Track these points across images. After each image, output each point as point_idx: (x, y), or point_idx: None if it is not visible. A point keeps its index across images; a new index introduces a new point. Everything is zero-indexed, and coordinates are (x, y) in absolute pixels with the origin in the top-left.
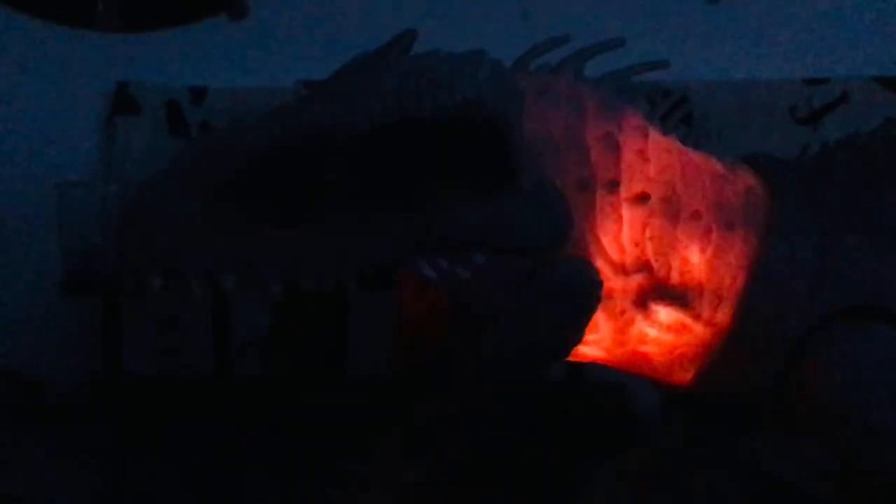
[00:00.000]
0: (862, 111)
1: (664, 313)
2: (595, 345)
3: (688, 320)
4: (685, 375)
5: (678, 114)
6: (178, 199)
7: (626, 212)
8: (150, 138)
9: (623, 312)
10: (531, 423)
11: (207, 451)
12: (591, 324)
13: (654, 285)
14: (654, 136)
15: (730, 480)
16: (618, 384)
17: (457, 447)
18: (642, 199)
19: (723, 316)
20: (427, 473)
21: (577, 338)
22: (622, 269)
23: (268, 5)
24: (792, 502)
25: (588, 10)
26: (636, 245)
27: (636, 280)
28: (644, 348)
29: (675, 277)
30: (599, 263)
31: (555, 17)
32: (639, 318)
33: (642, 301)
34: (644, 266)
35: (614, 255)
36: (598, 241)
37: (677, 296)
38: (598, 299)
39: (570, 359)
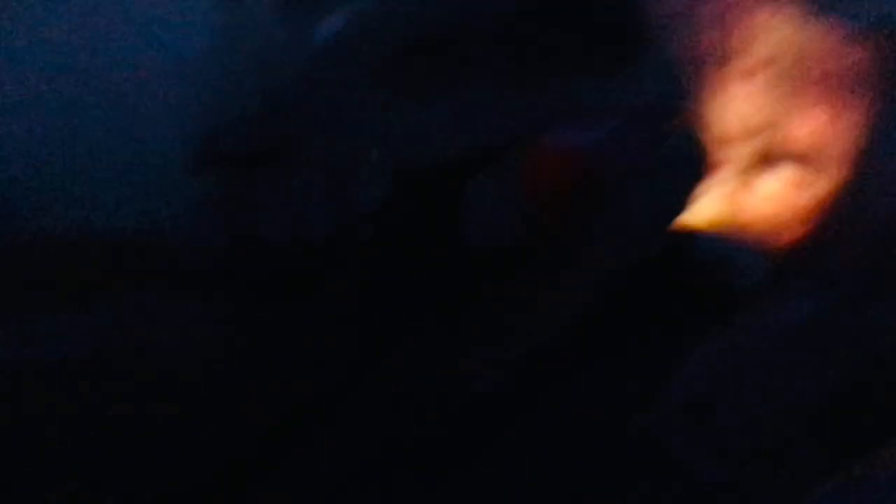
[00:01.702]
0: None
1: (784, 172)
2: (703, 211)
3: (808, 178)
4: (800, 231)
5: None
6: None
7: (740, 84)
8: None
9: (736, 176)
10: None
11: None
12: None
13: (773, 147)
14: (769, 7)
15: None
16: (720, 256)
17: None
18: (756, 70)
19: (842, 174)
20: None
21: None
22: (735, 137)
23: None
24: None
25: None
26: (752, 112)
27: (751, 145)
28: (756, 210)
29: (795, 139)
30: (713, 132)
31: None
32: (754, 180)
33: (758, 165)
34: (760, 130)
35: (728, 123)
36: (713, 112)
37: (798, 155)
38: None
39: (676, 229)
